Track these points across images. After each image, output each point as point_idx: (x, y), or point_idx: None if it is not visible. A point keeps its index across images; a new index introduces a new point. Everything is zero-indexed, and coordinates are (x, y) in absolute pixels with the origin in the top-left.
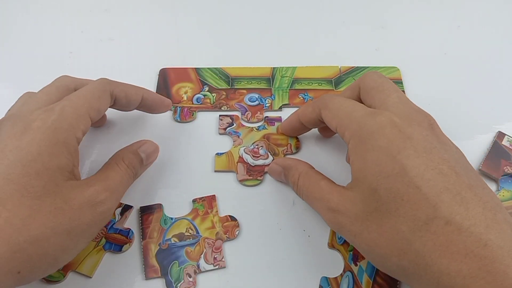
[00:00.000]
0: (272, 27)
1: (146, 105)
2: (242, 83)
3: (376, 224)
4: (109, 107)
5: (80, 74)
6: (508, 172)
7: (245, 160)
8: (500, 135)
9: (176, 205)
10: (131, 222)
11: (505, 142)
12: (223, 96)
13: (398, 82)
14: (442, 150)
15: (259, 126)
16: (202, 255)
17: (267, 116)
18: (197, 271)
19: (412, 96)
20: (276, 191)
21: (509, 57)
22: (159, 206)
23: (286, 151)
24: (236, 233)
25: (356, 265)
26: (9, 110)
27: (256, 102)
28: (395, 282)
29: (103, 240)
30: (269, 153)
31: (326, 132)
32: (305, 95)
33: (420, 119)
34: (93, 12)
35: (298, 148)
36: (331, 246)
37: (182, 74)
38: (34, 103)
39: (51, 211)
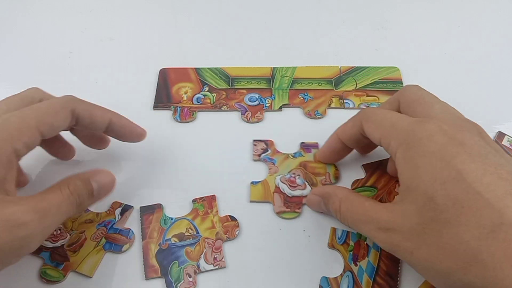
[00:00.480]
0: (272, 27)
1: (114, 130)
2: (242, 83)
3: (434, 236)
4: (72, 126)
5: (80, 74)
6: None
7: (281, 190)
8: (500, 135)
9: (176, 205)
10: (131, 222)
11: (505, 142)
12: (223, 96)
13: (398, 82)
14: (497, 155)
15: (295, 153)
16: (202, 255)
17: (303, 142)
18: (197, 271)
19: None
20: None
21: (509, 57)
22: (159, 206)
23: (325, 181)
24: (236, 233)
25: (356, 265)
26: None
27: (256, 102)
28: (395, 282)
29: (103, 240)
30: (306, 183)
31: (365, 148)
32: (305, 95)
33: (469, 127)
34: (93, 12)
35: (337, 178)
36: (331, 246)
37: (182, 74)
38: None
39: None
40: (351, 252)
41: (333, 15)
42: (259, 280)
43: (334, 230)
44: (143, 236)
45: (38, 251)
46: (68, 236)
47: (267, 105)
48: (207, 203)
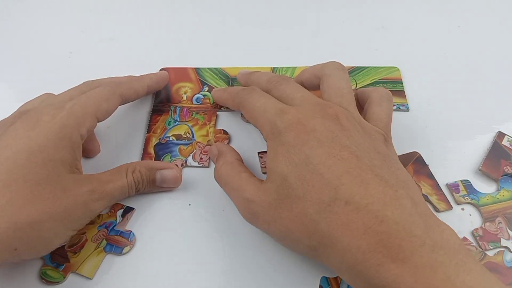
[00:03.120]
0: (272, 27)
1: (152, 91)
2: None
3: (287, 211)
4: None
5: (80, 74)
6: (508, 172)
7: None
8: (500, 135)
9: (175, 204)
10: (132, 224)
11: (505, 142)
12: None
13: (398, 82)
14: (344, 137)
15: None
16: (192, 154)
17: None
18: (184, 164)
19: (412, 96)
20: None
21: (509, 57)
22: (169, 109)
23: None
24: (225, 143)
25: None
26: (23, 105)
27: None
28: None
29: (104, 241)
30: None
31: None
32: None
33: (324, 112)
34: (93, 12)
35: None
36: None
37: (182, 74)
38: (51, 100)
39: (49, 198)
40: None
41: (333, 15)
42: (259, 280)
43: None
44: (148, 130)
45: None
46: (68, 238)
47: None
48: (207, 116)
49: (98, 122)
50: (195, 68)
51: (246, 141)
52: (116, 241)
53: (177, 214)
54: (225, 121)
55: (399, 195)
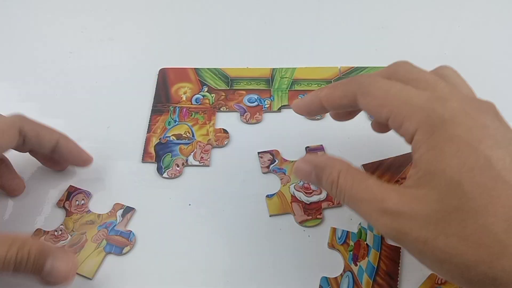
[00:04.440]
0: (272, 28)
1: (60, 152)
2: (241, 84)
3: (456, 226)
4: (20, 146)
5: (80, 74)
6: None
7: (298, 198)
8: None
9: (177, 206)
10: (132, 224)
11: None
12: (222, 96)
13: None
14: None
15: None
16: (192, 153)
17: (308, 147)
18: (185, 163)
19: None
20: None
21: (509, 56)
22: (168, 109)
23: None
24: (225, 142)
25: (356, 265)
26: None
27: (255, 103)
28: (395, 282)
29: (104, 242)
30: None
31: (382, 127)
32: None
33: (485, 108)
34: (93, 12)
35: None
36: (331, 246)
37: (181, 74)
38: None
39: None
40: (351, 252)
41: (333, 15)
42: (259, 280)
43: (334, 230)
44: (148, 130)
45: None
46: (70, 237)
47: (266, 106)
48: (207, 116)
49: None
50: (194, 68)
51: (246, 141)
52: (116, 241)
53: (177, 214)
54: (224, 120)
55: None
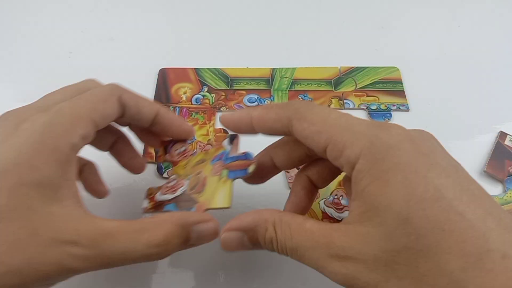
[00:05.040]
0: (272, 28)
1: (161, 123)
2: (241, 84)
3: (408, 267)
4: (120, 118)
5: (80, 74)
6: None
7: (329, 215)
8: (502, 135)
9: None
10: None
11: (507, 142)
12: (222, 96)
13: (398, 82)
14: (461, 167)
15: None
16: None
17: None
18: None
19: (412, 96)
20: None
21: (509, 56)
22: None
23: None
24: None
25: None
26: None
27: (255, 103)
28: None
29: (225, 171)
30: None
31: (322, 180)
32: (304, 96)
33: (427, 134)
34: (93, 12)
35: None
36: None
37: (181, 74)
38: (41, 100)
39: (10, 242)
40: None
41: (333, 15)
42: (259, 280)
43: None
44: None
45: (160, 208)
46: (187, 181)
47: None
48: (207, 116)
49: (97, 129)
50: (194, 68)
51: (246, 140)
52: (236, 166)
53: None
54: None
55: None
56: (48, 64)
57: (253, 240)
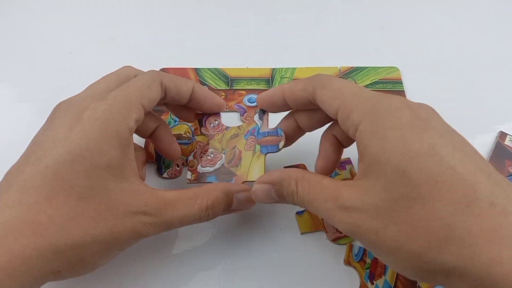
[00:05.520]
0: (272, 28)
1: (196, 99)
2: (241, 84)
3: (405, 214)
4: (162, 100)
5: (80, 74)
6: None
7: None
8: (502, 135)
9: None
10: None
11: (507, 142)
12: (222, 96)
13: (398, 82)
14: (457, 133)
15: (331, 174)
16: (192, 153)
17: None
18: (184, 163)
19: (412, 96)
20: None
21: (509, 56)
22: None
23: None
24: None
25: (372, 283)
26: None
27: (255, 103)
28: None
29: (257, 146)
30: None
31: (307, 121)
32: None
33: (426, 106)
34: (93, 12)
35: None
36: (347, 263)
37: (181, 74)
38: (90, 90)
39: (93, 217)
40: (368, 270)
41: (333, 15)
42: (258, 280)
43: (350, 246)
44: None
45: (203, 179)
46: (223, 155)
47: None
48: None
49: (145, 112)
50: (194, 68)
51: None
52: (268, 141)
53: None
54: (224, 120)
55: None
56: (48, 64)
57: (279, 193)
